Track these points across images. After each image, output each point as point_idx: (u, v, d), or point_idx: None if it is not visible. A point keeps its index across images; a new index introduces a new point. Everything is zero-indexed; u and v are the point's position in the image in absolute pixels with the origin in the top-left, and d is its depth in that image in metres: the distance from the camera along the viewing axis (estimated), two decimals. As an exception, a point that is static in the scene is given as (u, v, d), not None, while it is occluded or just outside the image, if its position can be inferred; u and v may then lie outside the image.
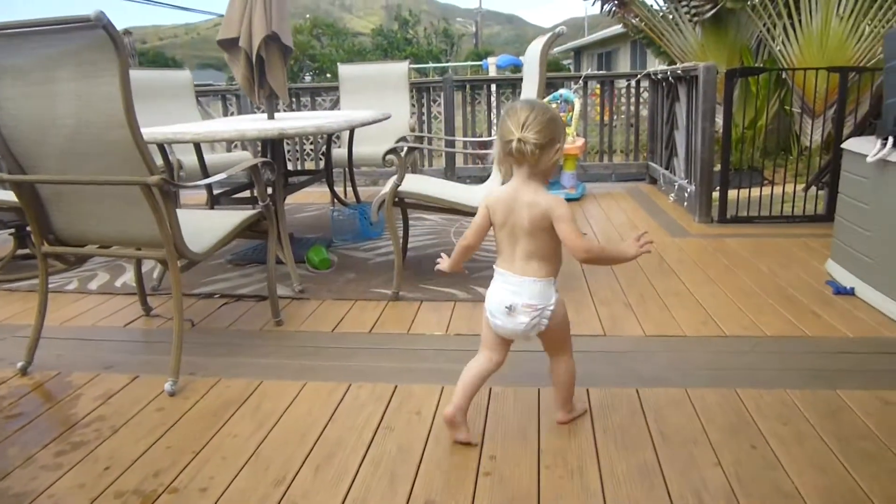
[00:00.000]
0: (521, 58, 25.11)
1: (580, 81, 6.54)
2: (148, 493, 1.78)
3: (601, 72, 7.97)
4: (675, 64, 6.76)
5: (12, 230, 4.04)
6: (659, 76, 5.85)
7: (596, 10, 7.65)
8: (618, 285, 3.30)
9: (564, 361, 2.01)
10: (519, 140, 1.78)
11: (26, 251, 4.07)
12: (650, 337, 2.68)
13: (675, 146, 5.50)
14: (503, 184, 1.94)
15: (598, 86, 6.73)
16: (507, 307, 1.89)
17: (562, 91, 6.08)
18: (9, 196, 3.89)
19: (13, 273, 3.85)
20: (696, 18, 7.17)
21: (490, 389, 2.26)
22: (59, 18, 2.16)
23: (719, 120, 4.93)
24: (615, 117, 6.81)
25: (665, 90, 5.79)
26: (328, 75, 26.07)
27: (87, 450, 2.01)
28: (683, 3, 7.21)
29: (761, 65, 6.93)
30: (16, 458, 1.98)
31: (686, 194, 4.90)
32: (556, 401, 2.07)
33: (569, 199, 5.55)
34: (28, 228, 4.06)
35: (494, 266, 1.97)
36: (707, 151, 4.56)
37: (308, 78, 26.47)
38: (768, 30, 6.47)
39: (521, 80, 6.91)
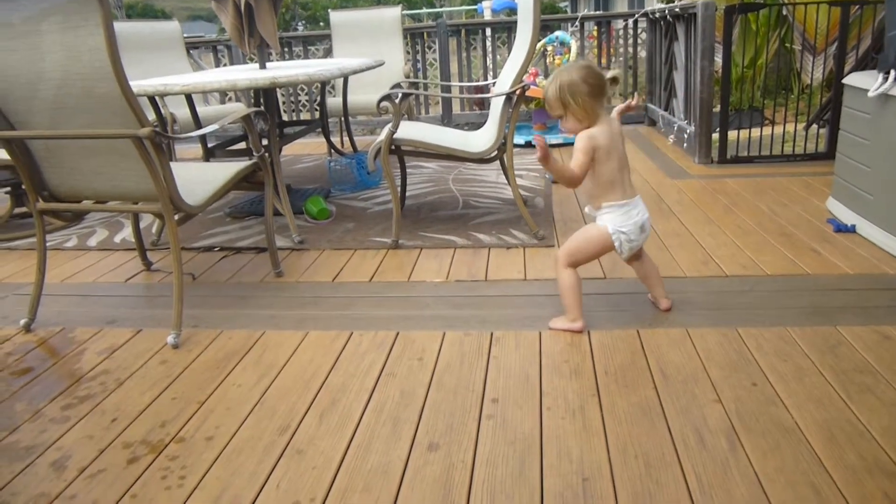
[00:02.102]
0: (516, 0, 24.63)
1: (577, 23, 6.41)
2: (155, 442, 1.81)
3: (598, 12, 7.81)
4: (673, 2, 6.63)
5: (8, 189, 4.02)
6: (657, 15, 5.73)
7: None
8: (617, 228, 3.29)
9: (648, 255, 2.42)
10: (615, 78, 2.17)
11: (24, 209, 4.05)
12: (650, 278, 2.68)
13: (673, 87, 5.42)
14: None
15: (596, 27, 6.60)
16: (640, 227, 2.22)
17: (558, 33, 5.95)
18: (2, 154, 3.86)
19: (11, 232, 3.83)
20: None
21: (492, 333, 2.27)
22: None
23: (718, 59, 4.85)
24: (613, 59, 6.69)
25: (663, 29, 5.67)
26: (321, 24, 25.54)
27: (94, 402, 2.03)
28: (682, -62, 7.02)
29: (761, 0, 6.78)
30: (24, 412, 2.01)
31: (685, 136, 4.84)
32: (659, 292, 2.40)
33: (567, 143, 5.50)
34: (24, 186, 4.05)
35: (611, 203, 2.20)
36: (706, 91, 4.49)
37: (300, 27, 25.98)
38: (769, -36, 6.31)
39: (516, 23, 6.79)
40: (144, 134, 2.19)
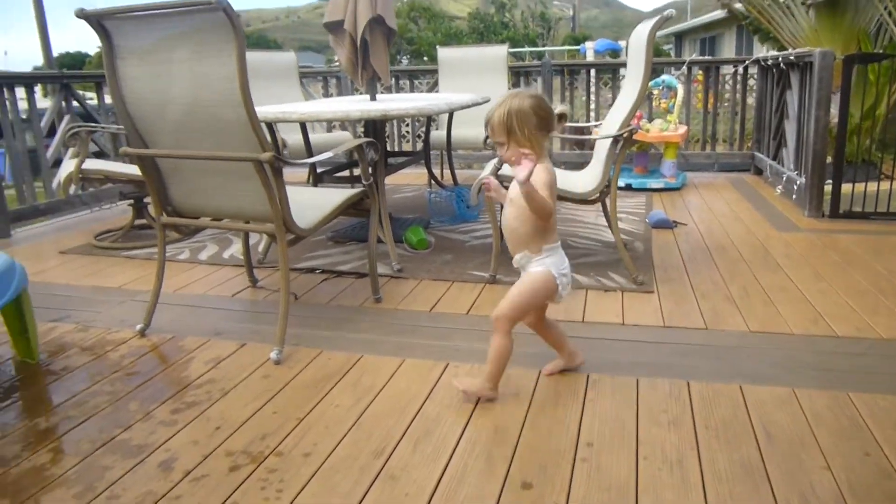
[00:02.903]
0: (619, 42, 24.52)
1: (683, 67, 6.34)
2: (255, 454, 1.87)
3: (706, 57, 7.68)
4: (785, 50, 6.46)
5: (131, 201, 4.30)
6: (769, 62, 5.60)
7: (702, -8, 7.36)
8: (720, 278, 3.20)
9: None
10: (563, 114, 2.09)
11: (142, 221, 4.32)
12: (755, 333, 2.59)
13: (784, 136, 5.26)
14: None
15: (701, 72, 6.49)
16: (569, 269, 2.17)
17: (664, 76, 5.90)
18: (128, 169, 4.14)
19: (131, 241, 4.09)
20: (809, 1, 6.80)
21: (588, 376, 2.25)
22: (181, 1, 2.27)
23: (834, 109, 4.68)
24: (719, 105, 6.56)
25: (775, 77, 5.54)
26: (424, 58, 26.20)
27: (200, 409, 2.13)
28: (797, -15, 6.86)
29: (881, 51, 6.51)
30: (136, 412, 2.12)
31: (795, 187, 4.68)
32: (571, 354, 2.30)
33: (668, 189, 5.41)
34: (145, 200, 4.33)
35: (550, 246, 2.10)
36: (820, 142, 4.34)
37: (405, 61, 26.73)
38: (889, 13, 6.07)
39: (620, 65, 6.76)
40: (265, 158, 2.31)
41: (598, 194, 3.13)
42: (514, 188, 2.05)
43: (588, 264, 3.40)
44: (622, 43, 23.26)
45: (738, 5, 7.37)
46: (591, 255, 3.56)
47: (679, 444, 1.86)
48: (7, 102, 4.70)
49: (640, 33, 3.13)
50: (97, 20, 2.41)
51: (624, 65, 6.77)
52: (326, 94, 7.29)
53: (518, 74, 6.66)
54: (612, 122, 3.24)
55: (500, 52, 5.64)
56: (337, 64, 4.56)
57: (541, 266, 2.08)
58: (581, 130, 6.85)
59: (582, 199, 3.13)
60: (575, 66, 7.05)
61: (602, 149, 3.18)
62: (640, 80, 2.98)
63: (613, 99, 6.57)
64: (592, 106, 6.65)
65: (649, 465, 1.77)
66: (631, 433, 1.92)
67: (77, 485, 1.76)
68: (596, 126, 5.26)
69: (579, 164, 6.22)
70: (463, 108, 3.81)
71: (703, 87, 6.39)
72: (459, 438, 1.91)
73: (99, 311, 3.03)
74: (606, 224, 3.49)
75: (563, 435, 1.92)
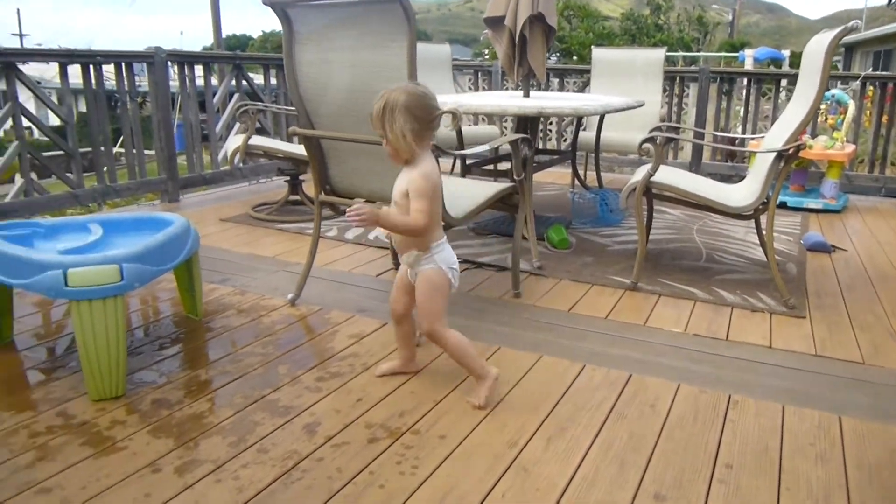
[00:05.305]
0: (783, 51, 23.14)
1: (856, 83, 5.91)
2: (393, 429, 1.95)
3: (883, 73, 7.12)
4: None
5: (287, 178, 4.56)
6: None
7: (877, 1, 6.77)
8: (882, 310, 2.99)
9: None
10: (453, 113, 2.14)
11: (296, 197, 4.58)
12: (919, 374, 2.41)
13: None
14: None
15: (872, 88, 6.01)
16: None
17: (835, 91, 5.53)
18: (288, 147, 4.40)
19: (284, 215, 4.35)
20: None
21: (730, 396, 2.17)
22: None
23: None
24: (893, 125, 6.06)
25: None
26: (574, 57, 25.88)
27: (343, 380, 2.24)
28: None
29: None
30: (285, 375, 2.27)
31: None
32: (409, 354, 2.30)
33: (827, 210, 5.08)
34: (300, 177, 4.57)
35: (438, 242, 2.10)
36: None
37: (553, 59, 26.58)
38: None
39: (784, 75, 6.41)
40: (427, 146, 2.38)
41: (753, 210, 3.00)
42: (396, 189, 2.06)
43: (734, 281, 3.27)
44: (786, 52, 21.95)
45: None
46: (738, 273, 3.41)
47: (827, 481, 1.77)
48: (186, 79, 5.10)
49: (820, 43, 2.96)
50: (282, 8, 2.57)
51: (787, 76, 6.43)
52: (476, 88, 7.38)
53: (672, 80, 6.45)
54: (776, 136, 3.09)
55: (656, 55, 5.50)
56: (487, 58, 4.62)
57: (431, 263, 2.09)
58: (733, 141, 6.57)
59: (735, 214, 3.01)
60: (734, 73, 6.73)
61: (763, 163, 3.04)
62: (814, 94, 2.81)
63: (773, 111, 6.24)
64: (750, 117, 6.33)
65: (792, 497, 1.69)
66: (774, 461, 1.84)
67: (231, 435, 1.91)
68: (753, 139, 5.04)
69: (727, 177, 5.95)
70: (618, 110, 3.75)
71: (877, 105, 5.93)
72: (593, 441, 1.91)
73: (254, 277, 3.24)
74: (758, 241, 3.34)
75: (701, 452, 1.87)
